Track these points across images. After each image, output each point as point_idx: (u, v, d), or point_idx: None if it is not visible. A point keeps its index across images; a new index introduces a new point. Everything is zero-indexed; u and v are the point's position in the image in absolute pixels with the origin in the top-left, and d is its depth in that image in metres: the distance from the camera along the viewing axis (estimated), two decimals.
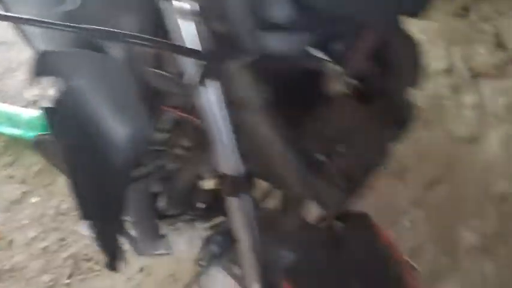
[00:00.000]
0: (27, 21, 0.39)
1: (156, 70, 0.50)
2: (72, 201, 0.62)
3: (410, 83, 0.59)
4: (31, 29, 0.72)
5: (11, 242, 1.66)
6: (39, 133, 1.15)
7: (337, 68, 0.48)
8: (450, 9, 2.07)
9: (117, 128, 0.58)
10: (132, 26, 0.49)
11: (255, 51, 0.43)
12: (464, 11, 2.07)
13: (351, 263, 0.73)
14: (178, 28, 0.47)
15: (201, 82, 0.47)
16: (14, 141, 1.91)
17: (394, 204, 1.57)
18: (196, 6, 0.47)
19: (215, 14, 0.46)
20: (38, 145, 1.14)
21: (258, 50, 0.43)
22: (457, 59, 1.97)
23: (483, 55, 1.98)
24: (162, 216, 0.96)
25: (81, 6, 0.51)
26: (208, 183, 0.88)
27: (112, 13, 0.50)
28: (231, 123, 0.52)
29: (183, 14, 0.46)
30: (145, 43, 0.44)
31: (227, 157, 0.56)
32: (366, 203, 1.60)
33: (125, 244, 1.10)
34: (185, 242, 1.10)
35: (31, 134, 1.58)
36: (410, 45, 0.56)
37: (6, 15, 0.39)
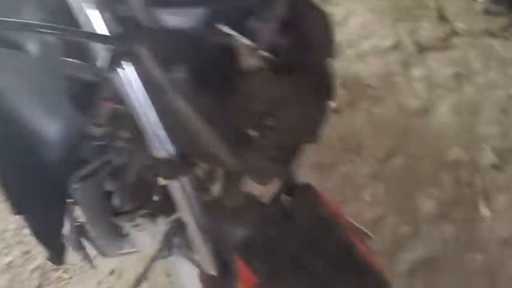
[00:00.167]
0: None
1: (70, 59, 0.50)
2: None
3: (326, 54, 0.61)
4: None
5: None
6: None
7: (249, 43, 0.50)
8: None
9: (47, 125, 0.58)
10: (39, 17, 0.49)
11: (155, 29, 0.44)
12: None
13: (301, 233, 0.75)
14: (86, 16, 0.47)
15: (112, 66, 0.48)
16: None
17: (353, 179, 1.61)
18: None
19: None
20: None
21: (156, 27, 0.44)
22: (404, 35, 2.04)
23: (428, 29, 2.06)
24: (119, 213, 0.96)
25: None
26: None
27: (18, 5, 0.49)
28: (154, 105, 0.53)
29: (88, 1, 0.46)
30: (56, 32, 0.44)
31: (157, 140, 0.56)
32: (326, 181, 1.65)
33: (90, 248, 1.10)
34: (149, 238, 1.10)
35: None
36: (320, 17, 0.58)
37: None
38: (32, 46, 0.48)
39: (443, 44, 2.02)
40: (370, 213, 1.55)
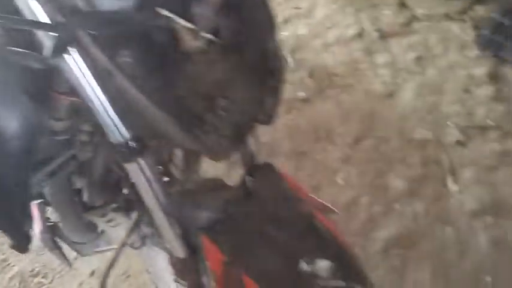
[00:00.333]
0: None
1: (15, 49, 0.52)
2: None
3: (268, 35, 0.64)
4: None
5: None
6: None
7: (190, 25, 0.53)
8: None
9: (3, 120, 0.60)
10: None
11: (93, 13, 0.47)
12: None
13: (264, 209, 0.78)
14: (27, 5, 0.49)
15: (57, 54, 0.50)
16: None
17: (326, 165, 1.66)
18: None
19: None
20: None
21: (95, 11, 0.47)
22: (366, 24, 2.10)
23: (389, 16, 2.13)
24: (89, 208, 0.97)
25: None
26: None
27: None
28: (104, 91, 0.55)
29: None
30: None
31: (111, 125, 0.59)
32: (300, 168, 1.69)
33: (69, 250, 1.11)
34: (124, 233, 1.11)
35: None
36: None
37: None
38: None
39: (405, 29, 2.08)
40: (344, 196, 1.60)
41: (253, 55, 0.62)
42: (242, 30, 0.58)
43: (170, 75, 0.56)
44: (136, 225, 0.95)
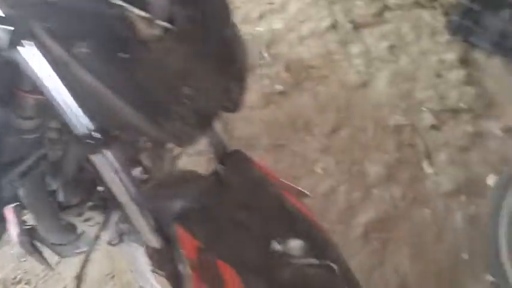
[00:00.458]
0: None
1: None
2: None
3: (224, 23, 0.65)
4: None
5: None
6: None
7: (144, 13, 0.54)
8: None
9: None
10: None
11: (45, 4, 0.47)
12: None
13: (235, 195, 0.79)
14: None
15: (12, 46, 0.51)
16: None
17: (305, 155, 1.68)
18: None
19: None
20: None
21: (44, 1, 0.47)
22: (339, 15, 2.13)
23: (361, 7, 2.16)
24: (65, 207, 0.97)
25: None
26: None
27: None
28: (64, 83, 0.56)
29: None
30: None
31: (74, 117, 0.59)
32: (279, 160, 1.71)
33: (51, 253, 1.10)
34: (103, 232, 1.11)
35: None
36: None
37: None
38: None
39: (377, 19, 2.12)
40: (324, 186, 1.62)
41: (211, 43, 0.63)
42: (197, 18, 0.59)
43: (128, 64, 0.56)
44: (108, 220, 0.95)
